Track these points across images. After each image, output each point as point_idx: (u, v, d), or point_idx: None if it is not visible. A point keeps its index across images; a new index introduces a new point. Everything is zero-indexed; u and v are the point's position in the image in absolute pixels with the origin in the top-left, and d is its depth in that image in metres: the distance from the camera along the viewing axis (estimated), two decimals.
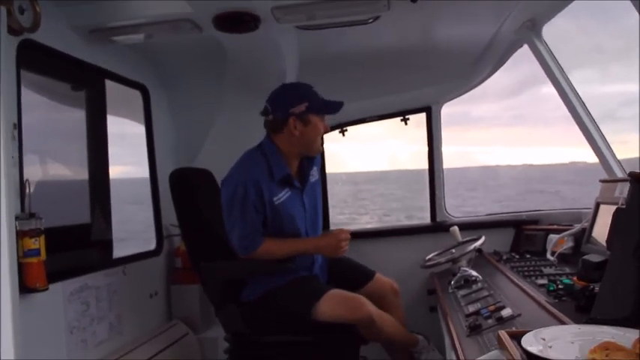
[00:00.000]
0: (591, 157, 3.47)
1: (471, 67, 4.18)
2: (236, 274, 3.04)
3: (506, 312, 2.35)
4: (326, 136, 3.07)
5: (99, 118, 3.48)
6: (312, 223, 3.09)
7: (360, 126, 4.59)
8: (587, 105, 3.45)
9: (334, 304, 2.84)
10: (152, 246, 3.93)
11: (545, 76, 3.51)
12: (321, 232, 3.17)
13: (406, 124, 4.47)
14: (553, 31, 3.50)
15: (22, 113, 2.62)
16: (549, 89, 3.52)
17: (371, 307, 2.86)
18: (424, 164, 4.56)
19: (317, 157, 3.14)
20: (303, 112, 2.86)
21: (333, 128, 4.51)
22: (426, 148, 4.49)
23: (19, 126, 2.58)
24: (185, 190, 3.31)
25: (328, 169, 4.60)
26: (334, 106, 2.92)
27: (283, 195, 2.91)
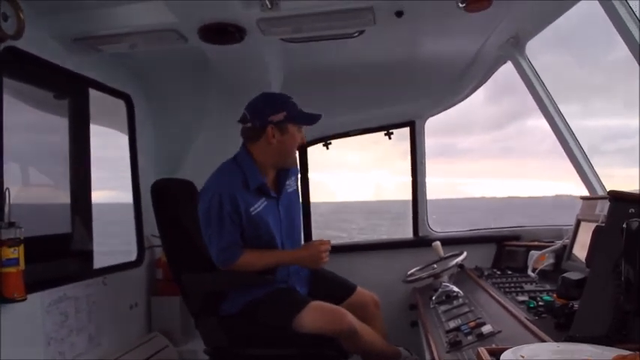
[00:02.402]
0: (576, 190, 3.51)
1: (455, 82, 4.21)
2: (216, 286, 3.01)
3: (486, 328, 2.35)
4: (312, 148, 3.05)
5: (82, 127, 3.47)
6: (288, 234, 3.07)
7: (345, 154, 4.58)
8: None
9: (316, 315, 2.82)
10: (133, 257, 3.91)
11: (530, 105, 3.57)
12: (299, 244, 3.16)
13: (390, 138, 4.50)
14: (537, 64, 3.56)
15: (3, 120, 2.61)
16: (535, 121, 3.58)
17: (353, 319, 2.84)
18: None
19: (294, 168, 3.14)
20: (281, 120, 2.86)
21: (317, 141, 4.55)
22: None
23: None
24: (166, 200, 3.28)
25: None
26: (312, 118, 2.94)
27: (259, 205, 2.90)
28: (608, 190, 2.42)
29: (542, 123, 3.60)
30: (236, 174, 2.88)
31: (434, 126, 4.62)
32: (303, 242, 3.23)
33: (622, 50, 2.60)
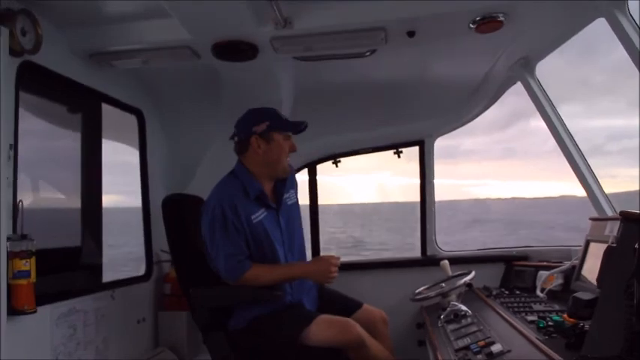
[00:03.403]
0: (580, 191, 3.51)
1: (465, 102, 4.22)
2: (224, 301, 3.01)
3: (496, 347, 2.33)
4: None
5: (94, 141, 3.49)
6: (290, 246, 3.07)
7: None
8: (575, 139, 3.52)
9: (324, 327, 2.81)
10: (142, 271, 3.92)
11: (535, 109, 3.57)
12: (303, 256, 3.18)
13: (399, 157, 4.51)
14: (541, 64, 3.56)
15: (18, 133, 2.64)
16: (538, 122, 3.58)
17: (361, 330, 2.82)
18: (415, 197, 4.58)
19: (292, 180, 3.18)
20: (264, 130, 2.91)
21: (326, 159, 4.55)
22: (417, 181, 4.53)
23: (15, 147, 2.59)
24: (177, 216, 3.29)
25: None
26: (296, 125, 2.97)
27: (260, 214, 2.93)
28: (619, 211, 2.42)
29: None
30: (234, 185, 2.93)
31: None
32: (309, 257, 3.24)
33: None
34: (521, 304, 3.12)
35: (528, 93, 3.58)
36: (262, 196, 2.96)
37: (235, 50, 3.11)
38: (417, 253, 4.59)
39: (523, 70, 3.54)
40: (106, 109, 3.56)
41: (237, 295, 2.96)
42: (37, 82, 2.95)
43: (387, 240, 30.85)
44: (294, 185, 3.19)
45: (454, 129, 4.50)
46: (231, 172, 3.02)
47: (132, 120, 3.90)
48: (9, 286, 2.45)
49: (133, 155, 3.97)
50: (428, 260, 4.40)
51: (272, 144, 2.93)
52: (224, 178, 3.00)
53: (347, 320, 2.87)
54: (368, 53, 3.34)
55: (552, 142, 3.54)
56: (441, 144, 4.54)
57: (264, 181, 3.01)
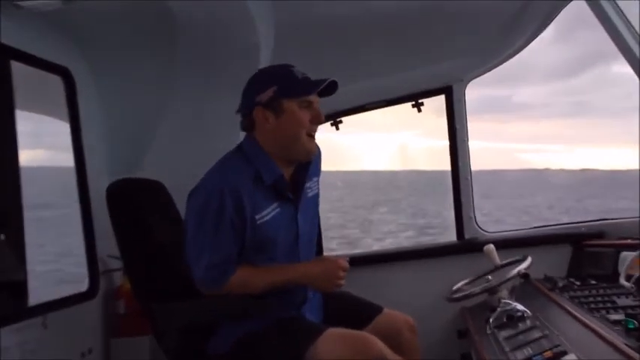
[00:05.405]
0: None
1: (503, 34, 4.20)
2: (201, 318, 2.96)
3: (569, 359, 2.34)
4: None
5: (3, 114, 3.43)
6: (307, 252, 3.04)
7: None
8: None
9: (335, 344, 2.74)
10: (84, 286, 3.85)
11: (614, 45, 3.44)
12: None
13: (419, 110, 4.51)
14: None
15: None
16: (622, 67, 3.49)
17: (382, 347, 2.75)
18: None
19: (317, 164, 3.11)
20: (271, 98, 2.82)
21: (325, 119, 4.44)
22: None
23: None
24: (129, 208, 3.26)
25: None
26: (313, 85, 2.85)
27: (270, 212, 2.86)
28: None
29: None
30: (243, 167, 2.85)
31: None
32: None
33: None
34: (599, 299, 3.10)
35: (598, 17, 3.32)
36: (280, 185, 2.89)
37: None
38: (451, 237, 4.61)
39: None
40: (19, 68, 3.47)
41: (218, 309, 2.91)
42: None
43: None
44: (318, 172, 3.13)
45: (492, 68, 4.50)
46: (238, 148, 2.95)
47: (57, 83, 3.81)
48: None
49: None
50: (466, 245, 4.44)
51: (283, 116, 2.83)
52: (228, 156, 2.93)
53: (363, 335, 2.82)
54: None
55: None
56: (482, 94, 4.58)
57: (283, 166, 2.93)
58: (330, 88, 2.86)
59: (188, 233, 2.83)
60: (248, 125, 2.91)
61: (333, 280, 2.89)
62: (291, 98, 2.83)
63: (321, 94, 2.87)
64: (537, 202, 45.20)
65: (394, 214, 40.02)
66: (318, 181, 3.13)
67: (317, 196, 3.13)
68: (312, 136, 2.90)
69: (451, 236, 4.64)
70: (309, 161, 2.97)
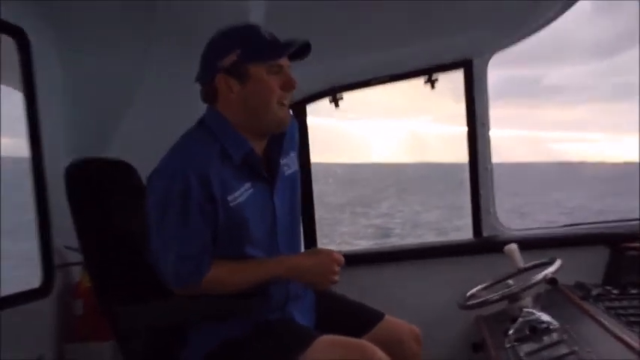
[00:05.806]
0: None
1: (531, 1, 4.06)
2: (172, 321, 2.83)
3: None
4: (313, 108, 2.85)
5: None
6: (288, 241, 2.93)
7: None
8: None
9: (328, 352, 2.63)
10: (35, 283, 3.74)
11: None
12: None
13: (433, 86, 4.43)
14: None
15: None
16: None
17: (383, 357, 2.64)
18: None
19: (292, 136, 2.99)
20: (235, 62, 2.70)
21: (321, 95, 4.53)
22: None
23: None
24: (90, 191, 3.10)
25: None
26: (283, 47, 2.73)
27: (242, 192, 2.71)
28: None
29: None
30: (207, 144, 2.72)
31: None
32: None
33: None
34: None
35: None
36: (252, 160, 2.75)
37: None
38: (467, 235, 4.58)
39: None
40: None
41: (193, 311, 2.78)
42: None
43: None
44: (294, 145, 3.01)
45: (518, 40, 4.38)
46: (200, 122, 2.83)
47: (8, 45, 3.69)
48: None
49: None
50: (484, 244, 4.38)
51: (249, 83, 2.70)
52: (189, 133, 2.81)
53: (361, 343, 2.69)
54: None
55: None
56: (507, 75, 4.44)
57: (253, 140, 2.80)
58: (304, 50, 2.76)
59: (152, 225, 2.70)
60: (209, 95, 2.81)
61: (327, 275, 2.79)
62: (258, 62, 2.72)
63: (292, 58, 2.76)
64: (570, 197, 45.80)
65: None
66: (296, 156, 3.02)
67: (296, 173, 3.02)
68: (284, 104, 2.79)
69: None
70: (282, 133, 2.86)
